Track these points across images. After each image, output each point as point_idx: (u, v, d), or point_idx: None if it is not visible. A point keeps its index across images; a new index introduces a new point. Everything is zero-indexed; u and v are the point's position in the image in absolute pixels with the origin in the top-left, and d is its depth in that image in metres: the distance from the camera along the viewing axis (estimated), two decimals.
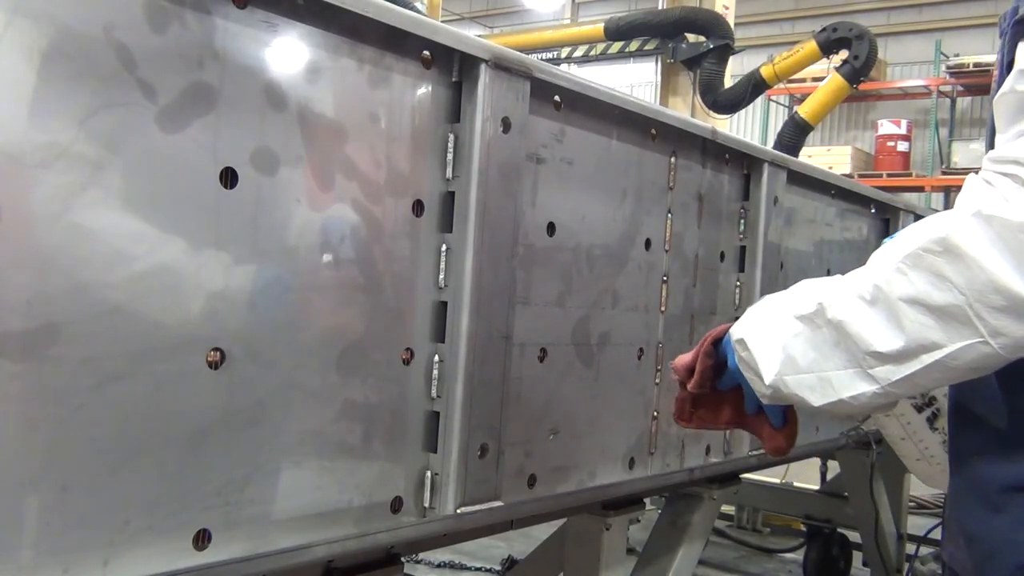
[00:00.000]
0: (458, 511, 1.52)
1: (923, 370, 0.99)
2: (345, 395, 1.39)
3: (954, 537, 1.18)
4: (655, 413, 2.08)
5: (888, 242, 1.07)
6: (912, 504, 4.11)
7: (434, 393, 1.52)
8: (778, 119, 15.12)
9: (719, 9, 8.76)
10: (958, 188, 1.27)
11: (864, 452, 3.35)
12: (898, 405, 1.46)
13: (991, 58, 12.39)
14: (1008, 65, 1.00)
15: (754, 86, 8.38)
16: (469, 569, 4.09)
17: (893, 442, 1.53)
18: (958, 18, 15.44)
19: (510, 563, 3.86)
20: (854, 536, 4.11)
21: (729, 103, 8.46)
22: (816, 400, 1.09)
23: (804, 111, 8.20)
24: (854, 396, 1.06)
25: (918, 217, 3.14)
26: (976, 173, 0.96)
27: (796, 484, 4.61)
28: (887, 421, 1.53)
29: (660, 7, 10.01)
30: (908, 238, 0.99)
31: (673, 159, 2.09)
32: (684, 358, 1.36)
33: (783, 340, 1.13)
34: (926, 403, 1.50)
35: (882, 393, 1.03)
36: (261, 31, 1.25)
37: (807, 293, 1.12)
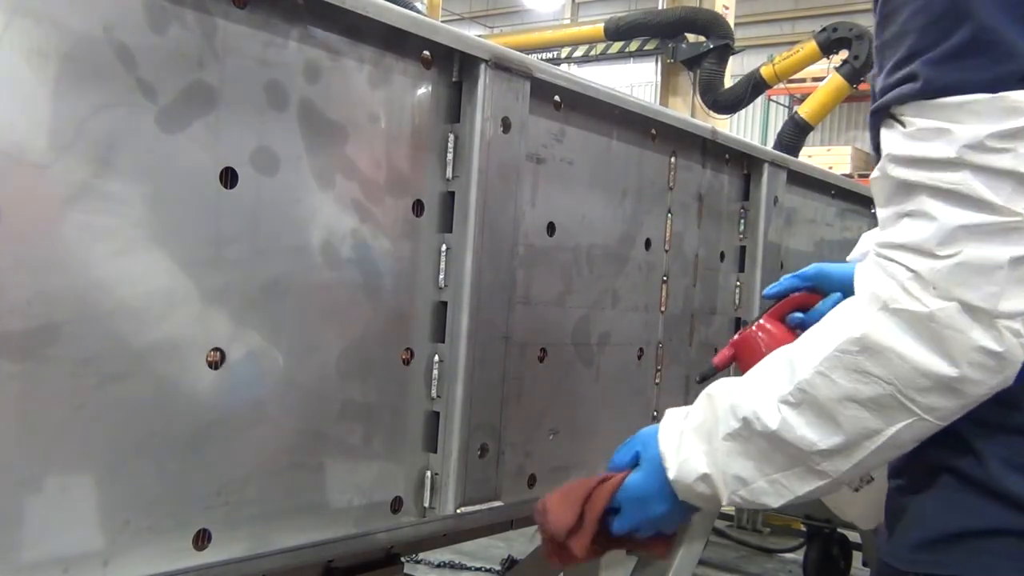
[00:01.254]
0: (458, 511, 1.52)
1: (870, 455, 1.01)
2: (345, 395, 1.39)
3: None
4: (655, 413, 2.08)
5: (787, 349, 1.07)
6: None
7: (434, 393, 1.52)
8: (778, 119, 15.12)
9: (719, 9, 8.78)
10: None
11: None
12: None
13: None
14: (876, 147, 1.02)
15: (754, 86, 8.40)
16: (469, 569, 4.09)
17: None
18: None
19: (510, 563, 3.86)
20: (854, 536, 4.11)
21: (729, 103, 8.48)
22: (774, 502, 1.09)
23: (804, 111, 8.21)
24: (810, 491, 1.06)
25: None
26: (873, 253, 0.98)
27: None
28: None
29: (660, 7, 10.02)
30: (819, 340, 1.01)
31: (673, 159, 2.09)
32: (559, 518, 1.24)
33: (720, 465, 1.11)
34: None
35: (836, 482, 1.04)
36: (261, 31, 1.25)
37: (721, 409, 1.11)
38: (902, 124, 0.96)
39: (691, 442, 1.13)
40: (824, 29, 8.02)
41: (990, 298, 0.90)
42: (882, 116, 0.99)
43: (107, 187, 1.10)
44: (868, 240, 1.62)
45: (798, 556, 4.44)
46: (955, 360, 0.92)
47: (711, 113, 8.50)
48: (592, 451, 1.91)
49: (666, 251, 2.08)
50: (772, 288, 1.55)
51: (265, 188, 1.27)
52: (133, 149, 1.12)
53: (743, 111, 10.69)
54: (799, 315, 1.51)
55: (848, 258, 1.65)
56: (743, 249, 2.37)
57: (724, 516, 4.96)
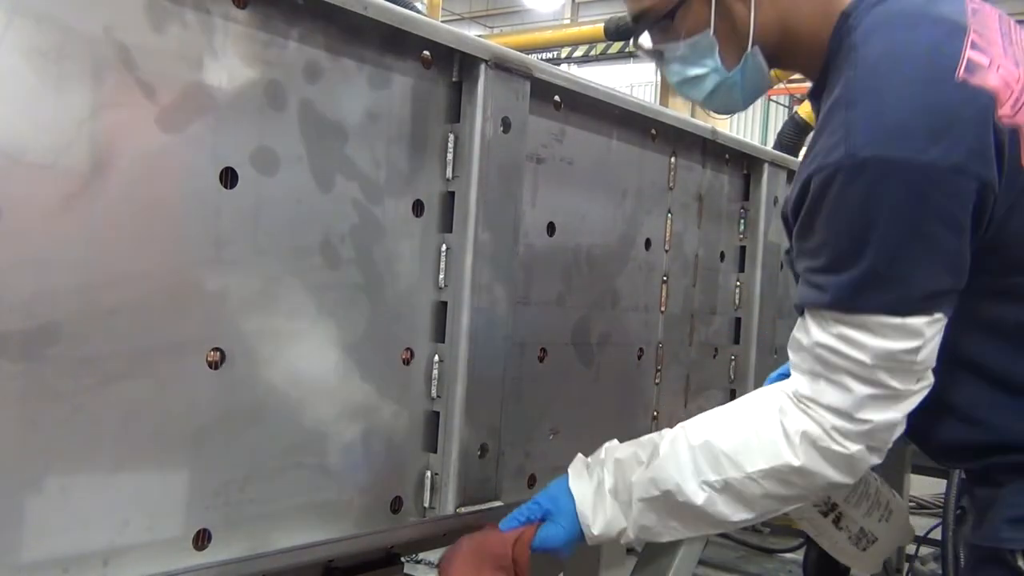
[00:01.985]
0: (458, 511, 1.52)
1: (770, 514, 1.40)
2: (345, 395, 1.39)
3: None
4: (655, 413, 2.08)
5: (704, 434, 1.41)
6: (912, 504, 4.10)
7: (434, 393, 1.52)
8: (778, 119, 15.11)
9: None
10: None
11: None
12: (806, 510, 1.73)
13: None
14: (796, 277, 1.37)
15: None
16: None
17: (815, 537, 1.72)
18: None
19: None
20: None
21: None
22: (666, 539, 1.45)
23: (804, 111, 8.18)
24: (699, 535, 1.48)
25: None
26: (798, 400, 1.32)
27: None
28: (803, 523, 1.76)
29: None
30: (750, 454, 1.33)
31: (673, 159, 2.09)
32: None
33: (634, 519, 1.43)
34: (829, 508, 1.74)
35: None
36: (261, 31, 1.25)
37: (637, 479, 1.42)
38: (824, 320, 1.27)
39: (611, 505, 1.43)
40: None
41: (888, 441, 1.30)
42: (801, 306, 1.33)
43: (107, 187, 1.10)
44: None
45: (798, 556, 4.44)
46: (856, 475, 1.32)
47: (711, 113, 8.48)
48: (592, 451, 1.91)
49: (666, 251, 2.08)
50: (768, 382, 1.72)
51: (265, 188, 1.26)
52: (133, 149, 1.12)
53: (743, 111, 10.70)
54: None
55: None
56: (743, 249, 2.37)
57: None
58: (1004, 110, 1.19)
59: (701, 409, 2.22)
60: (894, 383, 1.24)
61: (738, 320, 2.35)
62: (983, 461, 1.34)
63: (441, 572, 1.40)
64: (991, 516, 1.32)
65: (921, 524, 3.90)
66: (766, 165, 2.35)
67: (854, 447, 1.27)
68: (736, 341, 2.35)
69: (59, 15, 1.05)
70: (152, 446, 1.16)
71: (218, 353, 1.22)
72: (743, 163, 2.35)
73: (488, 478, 1.57)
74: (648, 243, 2.02)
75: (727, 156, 2.28)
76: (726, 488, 1.34)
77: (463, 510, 1.53)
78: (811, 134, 1.32)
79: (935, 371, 1.28)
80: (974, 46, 1.22)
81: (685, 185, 2.14)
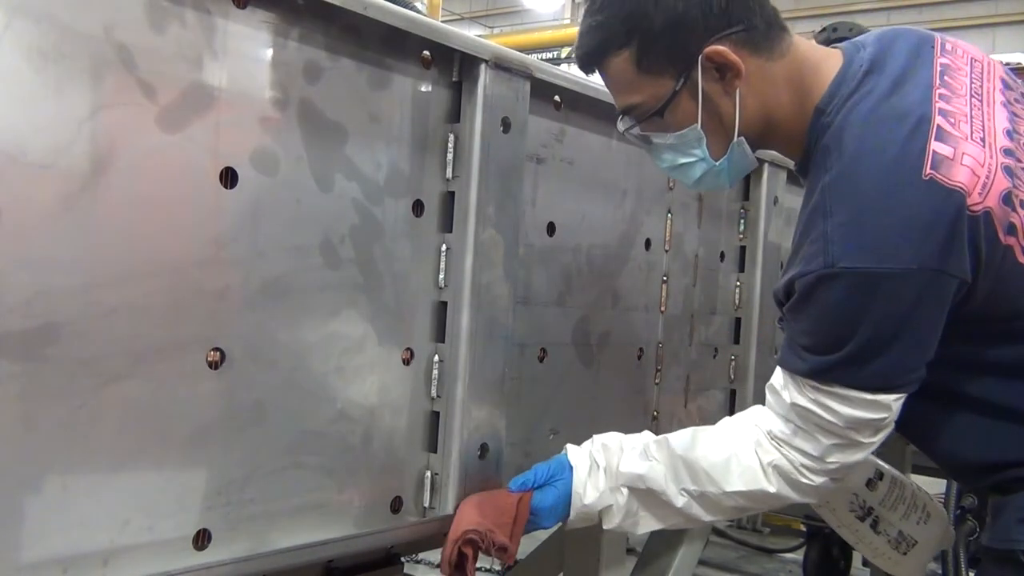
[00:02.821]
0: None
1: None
2: (345, 395, 1.39)
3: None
4: (655, 413, 2.09)
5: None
6: None
7: (434, 393, 1.52)
8: None
9: None
10: None
11: None
12: (843, 516, 1.79)
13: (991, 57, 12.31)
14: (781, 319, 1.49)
15: None
16: None
17: (854, 544, 1.74)
18: (958, 18, 15.44)
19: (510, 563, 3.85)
20: None
21: None
22: (641, 530, 1.59)
23: None
24: (671, 526, 1.60)
25: None
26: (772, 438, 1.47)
27: None
28: (842, 531, 1.79)
29: None
30: (730, 476, 1.48)
31: None
32: (498, 535, 1.49)
33: (619, 504, 1.56)
34: (866, 513, 1.78)
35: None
36: (261, 31, 1.25)
37: (627, 470, 1.55)
38: (801, 385, 1.39)
39: (604, 482, 1.55)
40: (824, 29, 7.97)
41: (848, 473, 1.48)
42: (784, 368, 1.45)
43: (107, 187, 1.10)
44: None
45: (798, 556, 4.44)
46: (819, 497, 1.55)
47: None
48: None
49: (666, 251, 2.08)
50: None
51: (265, 188, 1.26)
52: (133, 149, 1.12)
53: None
54: None
55: None
56: (743, 249, 2.36)
57: None
58: (972, 199, 1.26)
59: (701, 409, 2.23)
60: (859, 438, 1.39)
61: (738, 320, 2.35)
62: (995, 477, 1.42)
63: (456, 516, 1.50)
64: (1003, 519, 1.40)
65: None
66: (766, 165, 2.35)
67: (819, 480, 1.44)
68: (736, 341, 2.35)
69: (59, 15, 1.05)
70: (152, 446, 1.16)
71: (218, 353, 1.22)
72: None
73: (488, 478, 1.57)
74: (648, 243, 2.02)
75: None
76: (702, 497, 1.51)
77: None
78: (796, 228, 1.43)
79: (943, 404, 1.43)
80: (939, 136, 1.29)
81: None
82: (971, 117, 1.34)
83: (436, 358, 1.52)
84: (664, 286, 2.08)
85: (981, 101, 1.37)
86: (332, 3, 1.29)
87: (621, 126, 1.50)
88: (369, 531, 1.44)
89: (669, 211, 2.09)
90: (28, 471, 1.06)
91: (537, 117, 1.68)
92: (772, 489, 1.46)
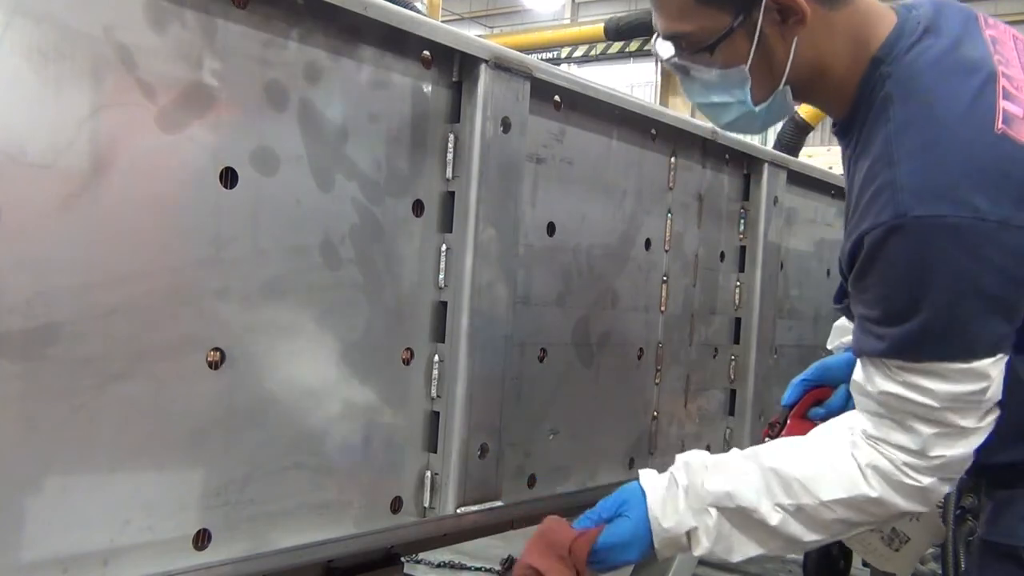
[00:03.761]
0: (458, 511, 1.52)
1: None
2: (345, 395, 1.39)
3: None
4: (655, 413, 2.08)
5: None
6: None
7: (434, 393, 1.52)
8: None
9: None
10: None
11: None
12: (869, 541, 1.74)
13: None
14: (843, 294, 1.43)
15: None
16: (469, 569, 4.08)
17: (846, 542, 1.73)
18: None
19: (510, 563, 3.85)
20: None
21: None
22: (736, 558, 1.41)
23: (804, 111, 8.19)
24: (767, 552, 1.42)
25: None
26: (867, 438, 1.34)
27: None
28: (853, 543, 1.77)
29: None
30: (825, 482, 1.34)
31: (673, 159, 2.09)
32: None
33: (707, 526, 1.40)
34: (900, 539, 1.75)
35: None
36: (261, 31, 1.25)
37: (711, 489, 1.40)
38: (887, 368, 1.28)
39: (683, 502, 1.40)
40: None
41: (960, 472, 1.33)
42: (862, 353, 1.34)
43: (107, 187, 1.10)
44: (842, 329, 1.86)
45: (798, 556, 4.44)
46: (929, 504, 1.36)
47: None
48: (592, 451, 1.91)
49: (666, 251, 2.08)
50: (788, 397, 1.74)
51: (265, 188, 1.26)
52: (133, 149, 1.12)
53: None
54: (820, 410, 1.71)
55: (829, 345, 1.91)
56: (743, 249, 2.36)
57: None
58: None
59: (701, 409, 2.23)
60: (962, 422, 1.27)
61: (738, 320, 2.35)
62: (1002, 468, 1.38)
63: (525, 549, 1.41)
64: (1008, 514, 1.37)
65: None
66: (766, 165, 2.35)
67: (926, 480, 1.31)
68: (736, 341, 2.35)
69: (59, 15, 1.05)
70: (152, 446, 1.16)
71: (218, 353, 1.22)
72: (743, 163, 2.35)
73: (488, 478, 1.57)
74: (648, 243, 2.02)
75: (727, 156, 2.28)
76: (799, 512, 1.37)
77: (463, 510, 1.53)
78: (851, 186, 1.35)
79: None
80: (1006, 95, 1.24)
81: (685, 185, 2.14)
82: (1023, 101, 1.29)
83: (436, 358, 1.52)
84: (664, 286, 2.08)
85: None
86: (332, 3, 1.29)
87: (662, 52, 1.40)
88: (369, 531, 1.44)
89: (669, 211, 2.09)
90: (28, 471, 1.06)
91: (537, 117, 1.68)
92: (874, 494, 1.33)
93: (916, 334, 1.25)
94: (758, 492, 1.38)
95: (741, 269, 2.36)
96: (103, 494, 1.12)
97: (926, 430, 1.28)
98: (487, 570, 4.06)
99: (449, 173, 1.53)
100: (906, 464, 1.31)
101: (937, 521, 1.72)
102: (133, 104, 1.12)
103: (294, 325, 1.31)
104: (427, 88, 1.50)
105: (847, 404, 1.66)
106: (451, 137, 1.52)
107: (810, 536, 1.38)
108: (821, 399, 1.70)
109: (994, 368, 1.25)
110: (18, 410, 1.04)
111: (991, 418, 1.29)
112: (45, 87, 1.04)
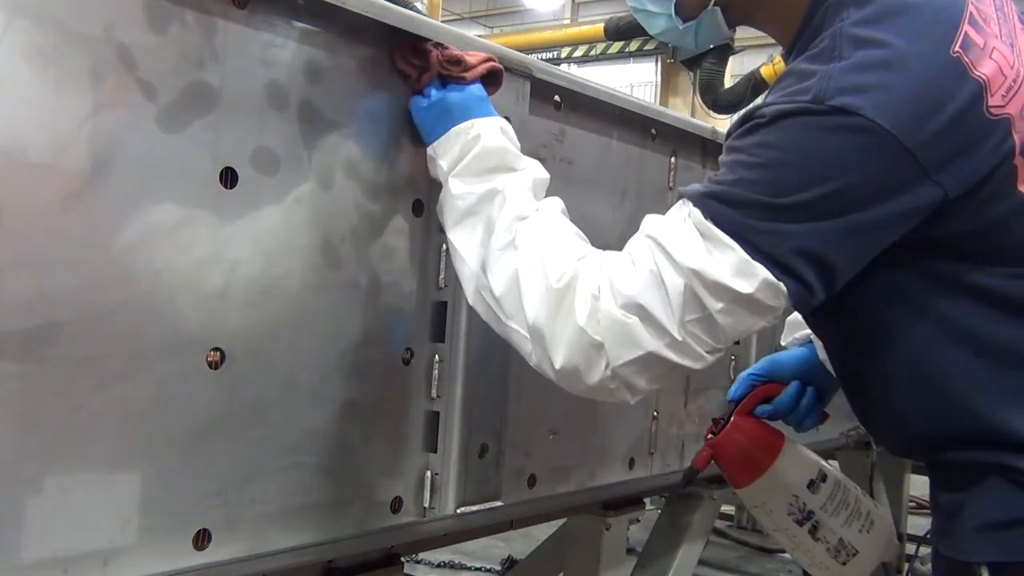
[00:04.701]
0: (458, 511, 1.52)
1: None
2: (345, 395, 1.39)
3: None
4: (655, 413, 2.08)
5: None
6: (912, 504, 4.10)
7: (434, 393, 1.52)
8: None
9: None
10: None
11: (864, 452, 3.34)
12: (780, 519, 1.62)
13: None
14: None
15: (754, 86, 8.38)
16: (469, 569, 4.09)
17: (790, 552, 1.64)
18: None
19: (510, 563, 3.86)
20: None
21: (729, 103, 8.46)
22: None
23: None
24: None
25: None
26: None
27: None
28: (778, 535, 1.67)
29: None
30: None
31: (673, 159, 2.09)
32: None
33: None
34: (805, 517, 1.63)
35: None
36: (261, 31, 1.25)
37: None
38: (699, 221, 1.18)
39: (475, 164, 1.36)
40: None
41: (632, 384, 1.21)
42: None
43: (107, 187, 1.10)
44: (795, 324, 1.75)
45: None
46: (570, 361, 1.20)
47: (711, 113, 8.49)
48: (592, 451, 1.91)
49: None
50: (735, 391, 1.65)
51: (265, 188, 1.26)
52: (133, 149, 1.12)
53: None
54: (767, 407, 1.61)
55: (783, 341, 1.79)
56: None
57: (724, 516, 4.96)
58: (994, 99, 1.13)
59: (701, 409, 2.23)
60: (686, 317, 1.14)
61: None
62: (953, 454, 1.23)
63: None
64: (959, 523, 1.22)
65: (921, 524, 3.90)
66: None
67: (591, 323, 1.17)
68: (736, 341, 2.34)
69: (59, 15, 1.05)
70: (152, 446, 1.16)
71: (218, 353, 1.22)
72: None
73: (488, 478, 1.57)
74: None
75: None
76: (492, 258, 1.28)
77: (463, 510, 1.53)
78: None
79: (921, 351, 1.20)
80: (972, 22, 1.16)
81: (685, 185, 2.13)
82: (999, 23, 1.20)
83: (436, 358, 1.52)
84: None
85: (1007, 19, 1.24)
86: (332, 3, 1.29)
87: None
88: (369, 531, 1.44)
89: None
90: (28, 471, 1.06)
91: (537, 117, 1.68)
92: (559, 284, 1.20)
93: (758, 203, 1.13)
94: (507, 217, 1.29)
95: None
96: (103, 494, 1.12)
97: (654, 291, 1.15)
98: (487, 570, 4.06)
99: None
100: (603, 291, 1.17)
101: (889, 535, 1.65)
102: (133, 104, 1.12)
103: (294, 325, 1.31)
104: None
105: (798, 402, 1.60)
106: None
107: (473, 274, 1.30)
108: (770, 395, 1.62)
109: (776, 299, 1.13)
110: (18, 410, 1.04)
111: (714, 354, 1.19)
112: (45, 87, 1.04)
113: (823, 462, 1.64)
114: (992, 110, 1.13)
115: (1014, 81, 1.16)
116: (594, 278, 1.21)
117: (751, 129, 1.17)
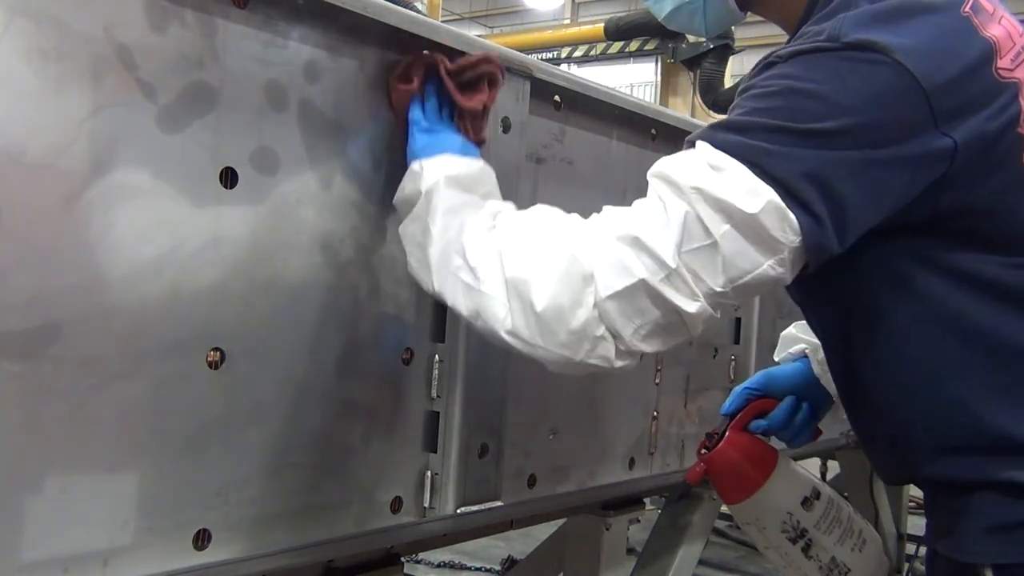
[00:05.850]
0: (458, 511, 1.52)
1: None
2: (345, 395, 1.39)
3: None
4: (655, 413, 2.08)
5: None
6: (912, 504, 4.10)
7: (434, 393, 1.52)
8: None
9: None
10: None
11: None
12: (773, 537, 1.61)
13: None
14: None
15: None
16: (469, 569, 4.09)
17: (782, 569, 1.63)
18: None
19: (510, 563, 3.86)
20: None
21: (729, 103, 8.47)
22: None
23: None
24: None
25: None
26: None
27: None
28: (770, 553, 1.65)
29: None
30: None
31: None
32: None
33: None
34: (798, 535, 1.61)
35: None
36: (261, 31, 1.25)
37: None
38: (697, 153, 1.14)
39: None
40: None
41: (616, 331, 1.22)
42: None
43: (107, 187, 1.10)
44: (790, 339, 1.73)
45: None
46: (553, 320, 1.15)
47: (711, 113, 8.50)
48: (592, 451, 1.91)
49: None
50: (729, 405, 1.63)
51: (265, 188, 1.26)
52: (133, 149, 1.12)
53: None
54: (762, 422, 1.60)
55: (776, 356, 1.75)
56: None
57: (724, 516, 4.96)
58: (1003, 62, 1.12)
59: (701, 409, 2.23)
60: (659, 240, 1.09)
61: (738, 320, 2.35)
62: (952, 465, 1.20)
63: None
64: (961, 525, 1.20)
65: (922, 524, 3.90)
66: None
67: (575, 269, 1.12)
68: (736, 341, 2.35)
69: (59, 15, 1.05)
70: (152, 446, 1.16)
71: (218, 353, 1.22)
72: None
73: (488, 478, 1.57)
74: None
75: None
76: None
77: (463, 510, 1.53)
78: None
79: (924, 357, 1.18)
80: None
81: None
82: (996, 4, 1.21)
83: (436, 358, 1.52)
84: None
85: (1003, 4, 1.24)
86: (332, 3, 1.29)
87: None
88: (369, 531, 1.44)
89: None
90: (28, 471, 1.06)
91: (537, 117, 1.68)
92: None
93: (768, 127, 1.09)
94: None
95: None
96: (103, 494, 1.12)
97: (654, 235, 1.10)
98: (487, 570, 4.06)
99: None
100: (606, 223, 1.16)
101: (880, 554, 1.63)
102: (133, 104, 1.12)
103: (294, 325, 1.31)
104: None
105: (792, 418, 1.59)
106: None
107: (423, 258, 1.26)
108: (764, 410, 1.60)
109: (783, 231, 1.07)
110: (18, 410, 1.04)
111: (703, 314, 1.15)
112: (45, 87, 1.04)
113: (817, 480, 1.63)
114: (1001, 72, 1.12)
115: (1022, 48, 1.15)
116: (588, 221, 1.19)
117: (765, 67, 1.16)
